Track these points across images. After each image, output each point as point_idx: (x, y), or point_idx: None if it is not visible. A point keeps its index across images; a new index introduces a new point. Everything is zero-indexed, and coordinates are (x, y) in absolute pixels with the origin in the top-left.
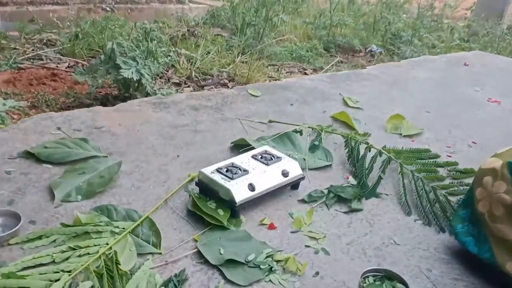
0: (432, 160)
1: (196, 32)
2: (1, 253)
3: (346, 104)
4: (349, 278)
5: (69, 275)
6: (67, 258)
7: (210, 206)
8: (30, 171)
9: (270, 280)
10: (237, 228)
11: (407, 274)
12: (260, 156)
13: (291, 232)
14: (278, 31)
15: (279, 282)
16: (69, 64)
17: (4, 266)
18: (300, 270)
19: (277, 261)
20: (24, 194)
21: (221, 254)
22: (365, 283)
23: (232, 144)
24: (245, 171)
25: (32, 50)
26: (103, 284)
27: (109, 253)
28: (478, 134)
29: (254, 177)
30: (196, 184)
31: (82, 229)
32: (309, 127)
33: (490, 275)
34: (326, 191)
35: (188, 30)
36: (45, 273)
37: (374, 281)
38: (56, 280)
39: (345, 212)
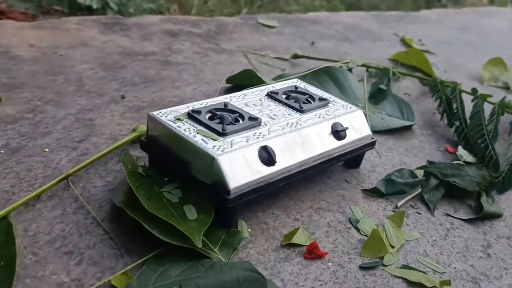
0: None
1: None
2: None
3: (407, 46)
4: None
5: None
6: None
7: (167, 197)
8: None
9: None
10: (230, 255)
11: None
12: (284, 95)
13: (362, 267)
14: None
15: None
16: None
17: None
18: None
19: None
20: None
21: None
22: None
23: (228, 85)
24: (254, 121)
25: None
26: None
27: None
28: None
29: (273, 134)
30: (142, 146)
31: None
32: (363, 65)
33: None
34: (420, 174)
35: None
36: None
37: None
38: None
39: (469, 221)
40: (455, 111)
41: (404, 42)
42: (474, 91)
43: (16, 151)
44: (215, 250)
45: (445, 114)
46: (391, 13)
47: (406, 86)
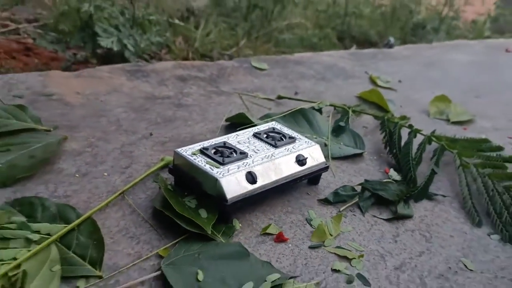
0: (495, 153)
1: (195, 12)
2: None
3: (374, 83)
4: None
5: None
6: None
7: (188, 204)
8: None
9: None
10: (228, 239)
11: None
12: (265, 135)
13: (310, 247)
14: (287, 18)
15: None
16: (50, 40)
17: None
18: None
19: None
20: None
21: (198, 280)
22: None
23: (227, 123)
24: (243, 154)
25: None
26: None
27: (15, 275)
28: None
29: (255, 163)
30: (170, 171)
31: None
32: (331, 104)
33: None
34: (359, 189)
35: (187, 9)
36: None
37: None
38: None
39: (388, 220)
40: (394, 142)
41: (371, 79)
42: (410, 126)
43: (85, 175)
44: (219, 236)
45: (388, 145)
46: (366, 51)
47: (365, 120)
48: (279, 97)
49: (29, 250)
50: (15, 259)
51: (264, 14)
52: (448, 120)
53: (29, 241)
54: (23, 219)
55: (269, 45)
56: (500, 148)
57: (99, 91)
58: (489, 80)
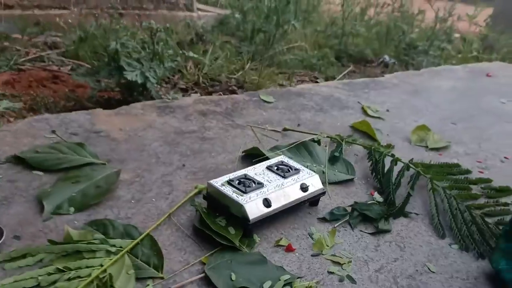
0: (463, 176)
1: (204, 37)
2: None
3: (365, 113)
4: None
5: None
6: (54, 282)
7: (219, 223)
8: (18, 179)
9: None
10: (251, 249)
11: None
12: (276, 168)
13: (312, 255)
14: (288, 39)
15: None
16: (72, 66)
17: None
18: None
19: None
20: (10, 205)
21: (232, 280)
22: None
23: (243, 153)
24: (260, 184)
25: (35, 53)
26: None
27: (103, 277)
28: (510, 148)
29: (269, 191)
30: (204, 197)
31: (73, 247)
32: (327, 136)
33: None
34: (349, 209)
35: (196, 34)
36: None
37: None
38: None
39: (371, 233)
40: (378, 169)
41: (363, 109)
42: (392, 155)
43: (139, 201)
44: (244, 247)
45: (374, 172)
46: (359, 80)
47: (357, 149)
48: (285, 129)
49: (110, 259)
50: (101, 265)
51: (267, 38)
52: (427, 147)
53: (109, 253)
54: (101, 236)
55: (272, 68)
56: (468, 172)
57: (137, 127)
58: (466, 106)
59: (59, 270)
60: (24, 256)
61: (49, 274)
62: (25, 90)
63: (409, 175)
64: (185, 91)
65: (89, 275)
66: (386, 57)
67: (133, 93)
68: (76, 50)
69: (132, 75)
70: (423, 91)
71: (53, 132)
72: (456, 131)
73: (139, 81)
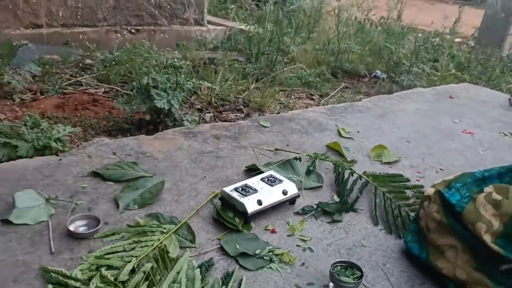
0: (402, 183)
1: (215, 61)
2: (89, 244)
3: (340, 134)
4: (325, 267)
5: (136, 259)
6: (133, 248)
7: (229, 215)
8: (98, 187)
9: (270, 267)
10: (248, 231)
11: (367, 267)
12: (266, 179)
13: (287, 235)
14: (289, 58)
15: (276, 269)
16: (105, 89)
17: (93, 252)
18: (291, 262)
19: (276, 255)
20: (97, 204)
21: (237, 249)
22: (334, 270)
23: (246, 168)
24: (255, 190)
25: (71, 75)
26: (159, 266)
27: (161, 246)
28: (447, 162)
29: (261, 195)
30: (219, 199)
31: (141, 229)
32: (307, 154)
33: (426, 269)
34: (315, 206)
35: (208, 58)
36: (121, 257)
37: (341, 268)
38: (128, 262)
39: (328, 222)
40: (339, 179)
41: (338, 131)
42: (351, 169)
43: (176, 201)
44: (244, 230)
45: (336, 181)
46: (340, 105)
47: (327, 163)
48: (276, 149)
49: (163, 236)
50: (159, 239)
51: (270, 59)
52: (381, 161)
53: (162, 232)
54: (157, 223)
55: (274, 87)
56: (407, 180)
57: (171, 149)
58: (423, 126)
59: (135, 242)
60: (113, 234)
61: (130, 244)
62: (73, 113)
63: (361, 183)
64: (200, 111)
65: (153, 245)
66: (378, 72)
67: (160, 115)
68: (106, 74)
69: (160, 103)
70: (390, 114)
71: (114, 154)
72: (408, 148)
73: (166, 108)
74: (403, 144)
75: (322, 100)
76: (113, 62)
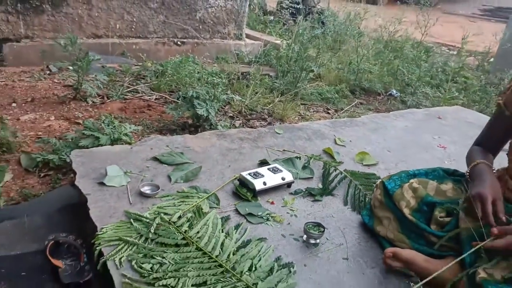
0: (373, 180)
1: (248, 76)
2: (153, 201)
3: (335, 142)
4: (303, 226)
5: (182, 211)
6: (180, 205)
7: (243, 191)
8: (157, 167)
9: (266, 223)
10: (255, 201)
11: (331, 229)
12: (271, 169)
13: (281, 206)
14: (314, 75)
15: (270, 225)
16: (156, 97)
17: (155, 205)
18: (281, 221)
19: (271, 217)
20: (157, 178)
21: (246, 210)
22: (306, 226)
23: (259, 162)
24: (262, 175)
25: (129, 84)
26: (195, 215)
27: (198, 205)
28: (414, 168)
29: (266, 178)
30: (238, 180)
31: (185, 194)
32: (305, 155)
33: (371, 233)
34: (304, 190)
35: (242, 73)
36: (172, 209)
37: (311, 226)
38: (177, 212)
39: (312, 201)
40: (325, 173)
41: (335, 140)
42: (335, 167)
43: (209, 179)
44: (252, 201)
45: (323, 175)
46: (342, 120)
47: (319, 163)
48: (284, 150)
49: (200, 200)
50: (196, 201)
51: (295, 76)
52: (362, 163)
53: (199, 198)
54: (196, 192)
55: (296, 101)
56: (378, 178)
57: (206, 145)
58: (405, 140)
59: (181, 202)
60: (167, 196)
61: (178, 202)
62: (132, 115)
63: (340, 177)
64: (232, 118)
65: (192, 204)
66: (393, 91)
67: (199, 120)
68: (158, 83)
69: (201, 111)
70: (381, 129)
71: (167, 146)
72: (387, 156)
73: (205, 115)
74: (384, 152)
75: (336, 114)
76: (163, 73)
